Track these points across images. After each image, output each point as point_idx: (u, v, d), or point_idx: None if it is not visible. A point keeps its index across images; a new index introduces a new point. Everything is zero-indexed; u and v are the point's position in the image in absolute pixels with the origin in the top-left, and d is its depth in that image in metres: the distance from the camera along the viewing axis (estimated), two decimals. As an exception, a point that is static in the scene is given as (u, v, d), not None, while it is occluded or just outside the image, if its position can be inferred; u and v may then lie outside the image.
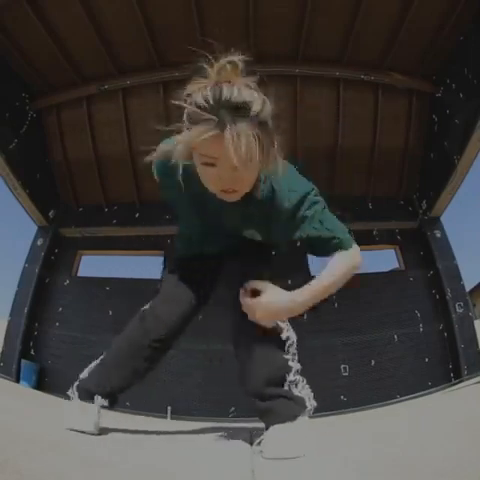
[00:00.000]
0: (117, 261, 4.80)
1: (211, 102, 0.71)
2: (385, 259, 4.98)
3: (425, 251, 4.21)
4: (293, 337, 0.98)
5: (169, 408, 3.52)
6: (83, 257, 4.60)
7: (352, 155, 4.20)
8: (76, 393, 1.04)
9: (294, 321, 0.98)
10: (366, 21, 3.36)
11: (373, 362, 3.74)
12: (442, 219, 4.26)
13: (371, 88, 3.96)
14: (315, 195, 0.94)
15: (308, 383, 0.95)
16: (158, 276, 4.28)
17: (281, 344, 0.95)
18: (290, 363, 0.93)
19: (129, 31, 3.49)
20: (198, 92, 0.73)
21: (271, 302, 0.91)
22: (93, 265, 4.84)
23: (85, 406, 1.01)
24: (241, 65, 0.75)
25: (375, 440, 1.04)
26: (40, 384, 3.76)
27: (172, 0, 3.30)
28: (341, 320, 3.82)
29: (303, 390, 0.93)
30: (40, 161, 4.28)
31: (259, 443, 0.89)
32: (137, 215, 4.33)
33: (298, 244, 0.97)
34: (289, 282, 1.08)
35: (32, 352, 3.97)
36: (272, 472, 0.74)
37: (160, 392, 3.43)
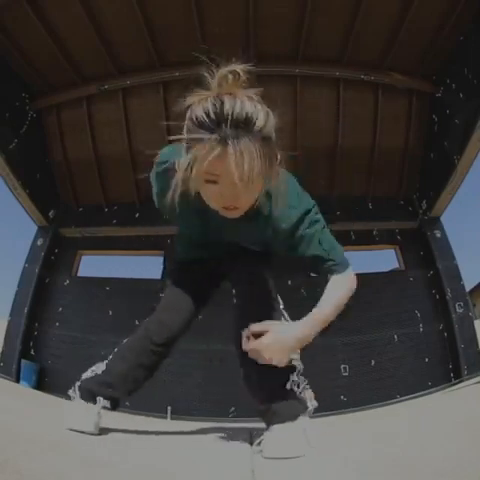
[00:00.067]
0: (117, 261, 4.81)
1: (212, 116, 0.68)
2: (385, 259, 4.99)
3: (425, 251, 4.21)
4: (300, 366, 0.96)
5: (169, 408, 3.52)
6: (83, 257, 4.60)
7: (352, 155, 4.20)
8: (78, 393, 1.04)
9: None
10: (366, 21, 3.36)
11: (373, 362, 3.74)
12: (442, 219, 4.26)
13: (371, 88, 3.96)
14: (315, 213, 0.94)
15: (308, 383, 0.95)
16: (158, 276, 4.29)
17: None
18: (294, 362, 0.94)
19: (129, 31, 3.48)
20: (198, 105, 0.70)
21: (275, 343, 0.87)
22: (93, 265, 4.85)
23: (85, 406, 1.01)
24: (243, 75, 0.71)
25: (375, 440, 1.04)
26: (40, 384, 3.76)
27: (172, 0, 3.30)
28: (341, 320, 3.82)
29: (305, 390, 0.93)
30: (40, 161, 4.27)
31: (259, 443, 0.89)
32: (137, 215, 4.33)
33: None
34: (289, 282, 1.08)
35: (32, 352, 3.97)
36: (272, 472, 0.74)
37: (160, 392, 3.42)
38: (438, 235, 4.19)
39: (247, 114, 0.67)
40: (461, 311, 3.84)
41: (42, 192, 4.22)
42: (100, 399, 1.01)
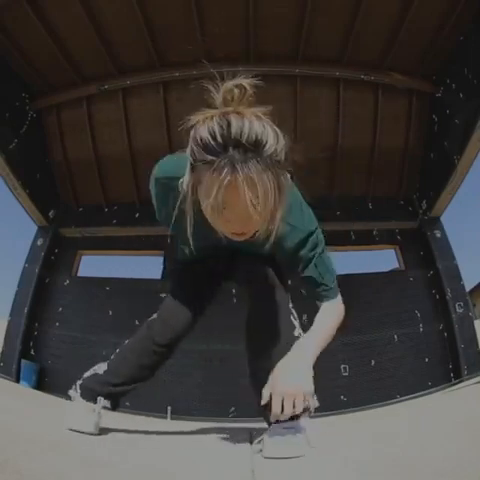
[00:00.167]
0: (117, 261, 4.81)
1: (218, 139, 0.63)
2: (385, 259, 4.99)
3: (425, 251, 4.21)
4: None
5: (169, 408, 3.52)
6: (83, 257, 4.60)
7: (352, 155, 4.19)
8: (79, 391, 1.04)
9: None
10: (366, 21, 3.35)
11: (373, 362, 3.74)
12: (442, 219, 4.25)
13: (371, 88, 3.95)
14: (318, 235, 0.93)
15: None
16: (158, 276, 4.29)
17: (293, 340, 0.95)
18: None
19: (129, 31, 3.48)
20: (203, 124, 0.65)
21: (287, 386, 0.82)
22: (93, 265, 4.85)
23: (86, 406, 1.01)
24: (250, 89, 0.66)
25: (375, 440, 1.04)
26: (40, 384, 3.75)
27: (172, 0, 3.30)
28: (343, 318, 3.82)
29: None
30: (40, 161, 4.27)
31: (259, 442, 0.89)
32: (137, 215, 4.33)
33: None
34: (289, 282, 1.08)
35: (32, 352, 3.97)
36: (272, 472, 0.74)
37: (160, 392, 3.42)
38: (438, 235, 4.19)
39: (256, 136, 0.63)
40: (461, 311, 3.84)
41: (42, 192, 4.22)
42: (100, 399, 1.01)
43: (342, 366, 3.72)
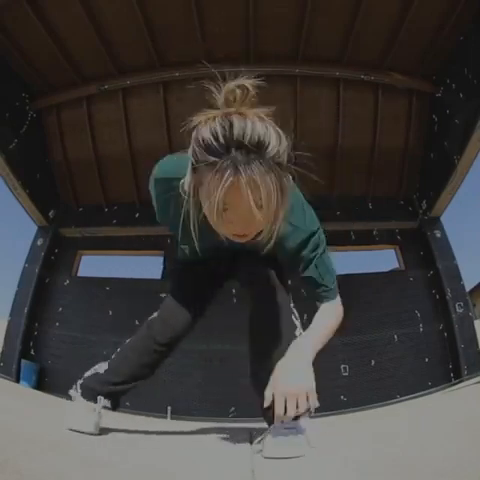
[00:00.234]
0: (117, 261, 4.80)
1: (221, 140, 0.62)
2: (385, 259, 4.99)
3: (425, 251, 4.21)
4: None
5: (169, 408, 3.52)
6: (83, 257, 4.60)
7: (352, 155, 4.20)
8: (79, 391, 1.04)
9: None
10: (366, 21, 3.35)
11: (373, 362, 3.74)
12: (442, 219, 4.25)
13: (371, 88, 3.96)
14: (319, 235, 0.94)
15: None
16: (158, 276, 4.29)
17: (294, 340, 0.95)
18: None
19: (129, 31, 3.48)
20: (205, 125, 0.64)
21: (289, 386, 0.82)
22: (93, 265, 4.84)
23: (86, 406, 1.01)
24: (252, 90, 0.65)
25: (375, 440, 1.04)
26: (40, 384, 3.75)
27: (172, 0, 3.30)
28: (341, 320, 3.82)
29: None
30: (40, 161, 4.27)
31: (259, 442, 0.89)
32: (137, 215, 4.33)
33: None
34: (289, 282, 1.08)
35: (32, 352, 3.97)
36: (272, 472, 0.74)
37: (160, 392, 3.42)
38: (438, 235, 4.19)
39: (259, 137, 0.62)
40: (461, 311, 3.84)
41: (42, 192, 4.22)
42: (101, 398, 1.02)
43: (342, 366, 3.72)
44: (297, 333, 0.97)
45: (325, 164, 4.22)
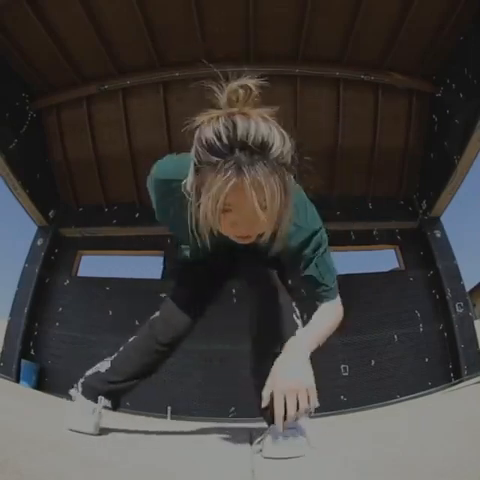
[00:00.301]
0: (117, 261, 4.80)
1: (224, 140, 0.61)
2: (385, 259, 4.99)
3: (425, 251, 4.21)
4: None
5: (169, 408, 3.52)
6: (83, 257, 4.60)
7: (352, 155, 4.20)
8: (80, 389, 1.04)
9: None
10: (366, 21, 3.35)
11: (373, 362, 3.74)
12: (442, 219, 4.25)
13: (371, 88, 3.96)
14: (322, 234, 0.93)
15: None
16: (158, 276, 4.29)
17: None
18: None
19: (129, 31, 3.48)
20: (208, 125, 0.63)
21: (287, 383, 0.80)
22: (93, 265, 4.84)
23: (86, 406, 1.01)
24: (255, 90, 0.64)
25: (375, 440, 1.04)
26: (40, 384, 3.75)
27: (172, 0, 3.30)
28: (341, 320, 3.82)
29: None
30: (40, 161, 4.27)
31: (259, 442, 0.89)
32: (137, 215, 4.33)
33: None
34: (289, 282, 1.08)
35: (32, 352, 3.97)
36: (272, 472, 0.74)
37: (160, 392, 3.42)
38: (438, 235, 4.19)
39: (263, 138, 0.62)
40: (461, 311, 3.84)
41: (42, 192, 4.22)
42: (101, 398, 1.02)
43: (342, 366, 3.72)
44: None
45: (325, 164, 4.22)
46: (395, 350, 3.79)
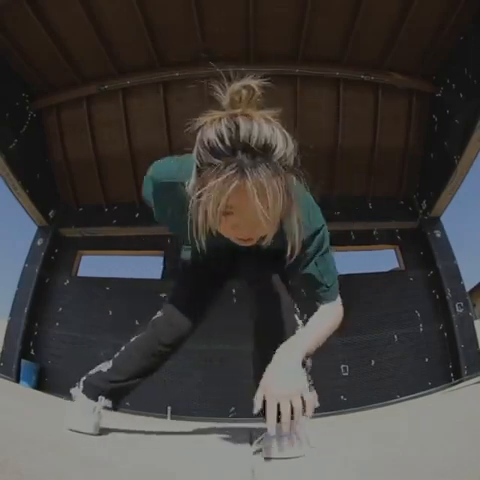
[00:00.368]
0: (117, 261, 4.81)
1: (227, 142, 0.61)
2: (385, 259, 5.00)
3: (425, 251, 4.21)
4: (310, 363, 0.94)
5: (169, 408, 3.52)
6: (83, 257, 4.60)
7: (352, 155, 4.20)
8: (81, 387, 1.04)
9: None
10: (366, 21, 3.36)
11: (373, 362, 3.74)
12: (442, 219, 4.26)
13: (371, 88, 3.96)
14: (323, 233, 0.92)
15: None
16: (158, 276, 4.29)
17: None
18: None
19: (129, 31, 3.48)
20: (210, 126, 0.63)
21: (279, 388, 0.78)
22: (93, 265, 4.85)
23: (86, 405, 1.01)
24: (258, 90, 0.64)
25: (375, 440, 1.04)
26: (40, 384, 3.76)
27: (172, 0, 3.30)
28: (340, 322, 3.82)
29: (310, 390, 0.93)
30: (40, 161, 4.27)
31: (259, 442, 0.89)
32: (137, 215, 4.33)
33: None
34: (289, 282, 1.08)
35: (32, 352, 3.97)
36: (272, 472, 0.74)
37: (160, 392, 3.42)
38: (438, 235, 4.19)
39: (265, 140, 0.61)
40: (461, 311, 3.84)
41: (42, 192, 4.22)
42: (102, 398, 1.02)
43: (342, 366, 3.72)
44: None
45: (325, 164, 4.22)
46: (395, 350, 3.79)
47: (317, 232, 0.91)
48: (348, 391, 3.61)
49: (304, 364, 0.90)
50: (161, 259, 4.36)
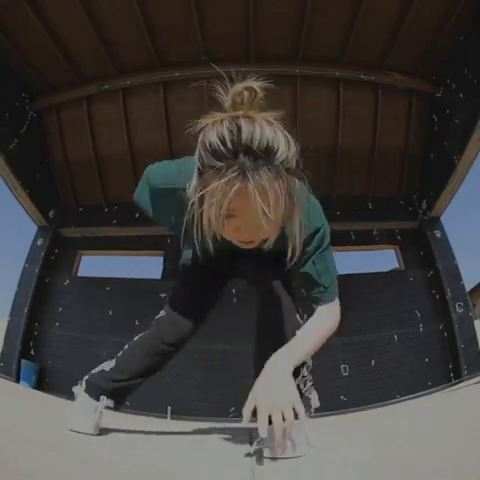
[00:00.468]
0: (117, 261, 4.81)
1: (228, 145, 0.61)
2: (385, 259, 4.99)
3: (425, 251, 4.21)
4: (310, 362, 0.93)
5: (169, 408, 3.52)
6: (83, 257, 4.60)
7: (352, 155, 4.20)
8: (84, 386, 1.04)
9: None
10: (366, 21, 3.36)
11: (373, 362, 3.74)
12: (442, 219, 4.26)
13: (371, 88, 3.96)
14: (324, 232, 0.92)
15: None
16: (158, 276, 4.29)
17: None
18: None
19: (129, 31, 3.48)
20: (212, 128, 0.62)
21: (269, 397, 0.78)
22: (93, 265, 4.85)
23: (87, 405, 1.01)
24: (260, 92, 0.64)
25: (375, 440, 1.04)
26: (40, 384, 3.76)
27: (172, 0, 3.30)
28: (341, 320, 3.82)
29: (311, 390, 0.93)
30: (40, 161, 4.27)
31: (259, 442, 0.89)
32: (137, 215, 4.32)
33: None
34: (291, 283, 1.08)
35: (32, 352, 3.97)
36: (272, 472, 0.74)
37: (160, 392, 3.42)
38: (438, 235, 4.19)
39: (267, 142, 0.61)
40: (461, 311, 3.84)
41: (42, 192, 4.22)
42: (104, 398, 1.02)
43: (342, 366, 3.72)
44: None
45: (325, 164, 4.22)
46: (395, 350, 3.79)
47: (317, 231, 0.91)
48: (348, 391, 3.61)
49: (304, 364, 0.90)
50: (161, 259, 4.36)
